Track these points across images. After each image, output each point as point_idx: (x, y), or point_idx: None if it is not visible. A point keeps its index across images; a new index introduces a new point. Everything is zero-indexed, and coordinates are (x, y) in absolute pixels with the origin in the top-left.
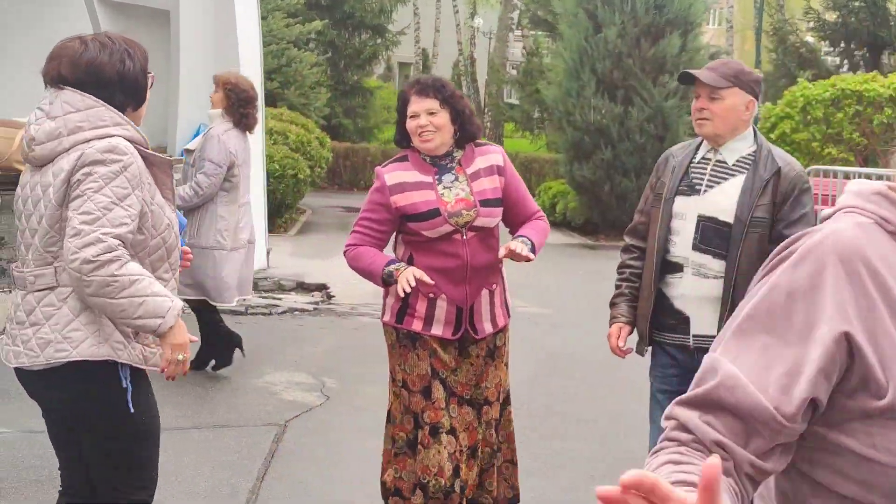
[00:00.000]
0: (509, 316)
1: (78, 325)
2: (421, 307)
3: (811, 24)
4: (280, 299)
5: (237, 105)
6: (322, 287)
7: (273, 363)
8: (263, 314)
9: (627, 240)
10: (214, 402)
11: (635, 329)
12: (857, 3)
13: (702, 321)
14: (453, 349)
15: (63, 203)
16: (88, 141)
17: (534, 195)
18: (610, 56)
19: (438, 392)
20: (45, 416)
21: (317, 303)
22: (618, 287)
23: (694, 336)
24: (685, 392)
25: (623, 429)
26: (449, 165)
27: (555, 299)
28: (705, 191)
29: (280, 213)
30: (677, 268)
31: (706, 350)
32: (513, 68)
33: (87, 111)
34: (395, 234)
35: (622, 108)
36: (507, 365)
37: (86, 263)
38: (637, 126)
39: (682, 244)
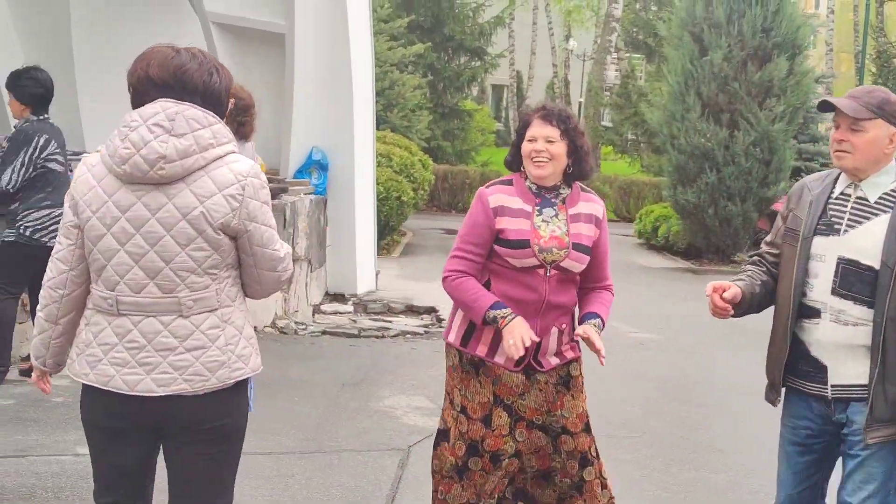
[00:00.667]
0: (580, 351)
1: (245, 342)
2: (488, 333)
3: None
4: (390, 322)
5: (235, 113)
6: (431, 310)
7: (391, 386)
8: (376, 337)
9: (752, 258)
10: (337, 425)
11: (766, 375)
12: None
13: (841, 370)
14: (520, 375)
15: (228, 226)
16: (221, 157)
17: (635, 218)
18: (715, 79)
19: (500, 419)
20: (168, 441)
21: (427, 326)
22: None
23: (832, 386)
24: (817, 448)
25: (753, 459)
26: (553, 200)
27: (663, 324)
28: (846, 231)
29: (383, 236)
30: (814, 312)
31: (846, 401)
32: (607, 91)
33: (211, 127)
34: None
35: (727, 131)
36: (584, 394)
37: (288, 282)
38: (743, 150)
39: (819, 288)
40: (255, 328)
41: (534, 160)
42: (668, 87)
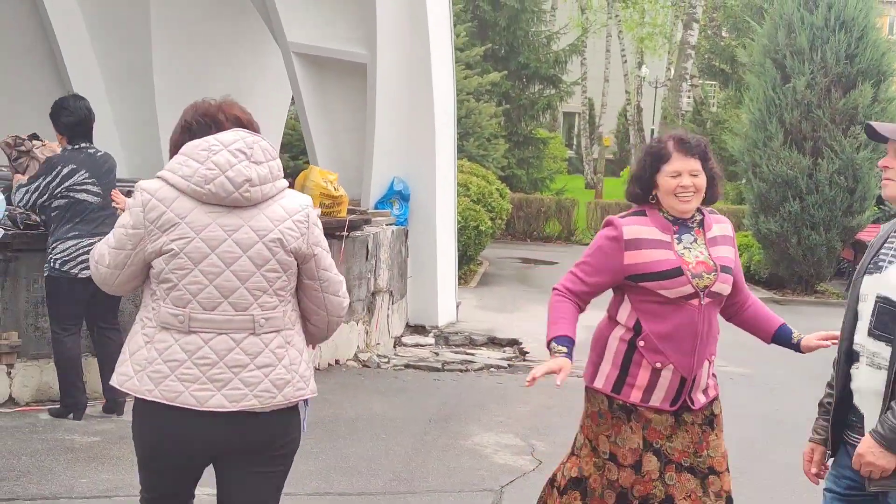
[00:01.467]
0: (719, 387)
1: (305, 365)
2: (643, 376)
3: None
4: (473, 354)
5: None
6: (514, 342)
7: (479, 423)
8: (460, 370)
9: None
10: (426, 464)
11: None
12: None
13: (875, 420)
14: (670, 417)
15: (298, 250)
16: (283, 189)
17: None
18: (798, 106)
19: (651, 464)
20: (223, 462)
21: (510, 359)
22: (827, 386)
23: None
24: (855, 502)
25: None
26: (689, 225)
27: (751, 357)
28: (886, 267)
29: (461, 266)
30: (855, 357)
31: None
32: (680, 118)
33: (277, 160)
34: (622, 297)
35: (811, 159)
36: (723, 433)
37: (346, 310)
38: (826, 178)
39: (861, 330)
40: (337, 362)
41: (680, 196)
42: (749, 115)
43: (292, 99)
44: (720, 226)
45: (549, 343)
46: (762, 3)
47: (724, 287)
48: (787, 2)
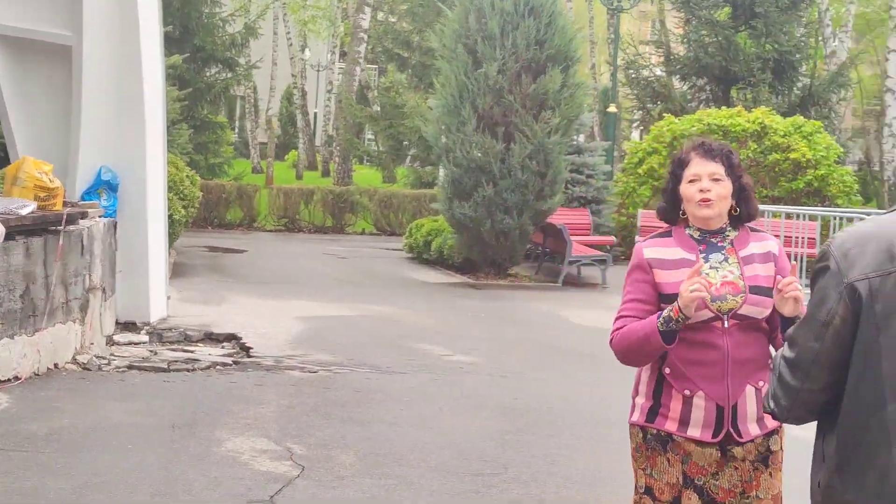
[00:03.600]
0: None
1: None
2: (676, 406)
3: (663, 59)
4: (193, 352)
5: None
6: (232, 337)
7: (226, 427)
8: (188, 370)
9: None
10: (186, 475)
11: None
12: (708, 39)
13: None
14: (715, 451)
15: None
16: None
17: (398, 232)
18: (490, 92)
19: (691, 502)
20: None
21: (232, 355)
22: None
23: None
24: None
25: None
26: (720, 244)
27: (471, 345)
28: None
29: None
30: None
31: None
32: (359, 102)
33: None
34: None
35: (503, 144)
36: (781, 472)
37: None
38: (519, 163)
39: None
40: (56, 365)
41: (699, 202)
42: (441, 100)
43: None
44: (761, 244)
45: (659, 326)
46: None
47: (754, 310)
48: None
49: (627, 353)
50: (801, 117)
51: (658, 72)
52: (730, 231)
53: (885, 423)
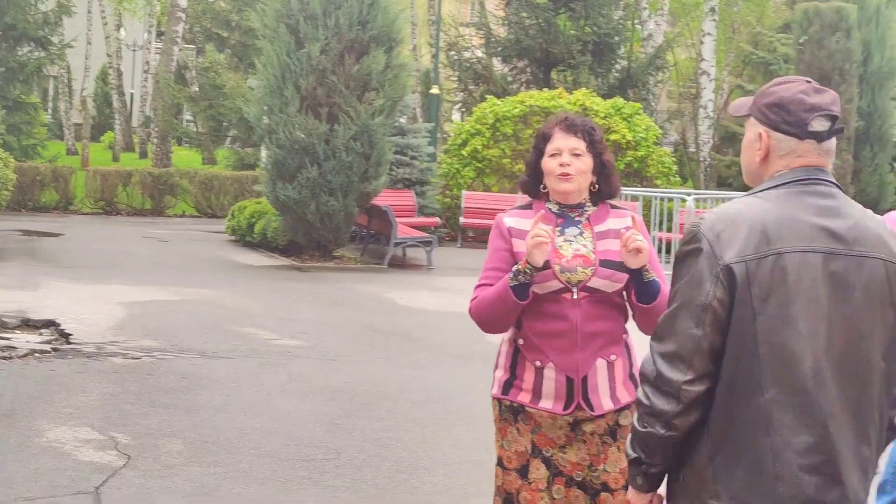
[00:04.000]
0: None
1: None
2: (529, 378)
3: (484, 41)
4: (10, 339)
5: None
6: (51, 324)
7: (48, 416)
8: (4, 358)
9: None
10: (6, 468)
11: None
12: (528, 21)
13: None
14: (565, 424)
15: None
16: None
17: (220, 214)
18: (314, 72)
19: (538, 472)
20: None
21: (51, 342)
22: None
23: None
24: None
25: (464, 477)
26: (577, 218)
27: (299, 329)
28: None
29: None
30: None
31: None
32: (177, 82)
33: None
34: None
35: (327, 125)
36: None
37: None
38: (343, 144)
39: None
40: None
41: (558, 175)
42: (263, 81)
43: None
44: (619, 220)
45: (511, 282)
46: None
47: (604, 283)
48: None
49: (486, 317)
50: (621, 99)
51: (479, 54)
52: (589, 207)
53: (762, 408)
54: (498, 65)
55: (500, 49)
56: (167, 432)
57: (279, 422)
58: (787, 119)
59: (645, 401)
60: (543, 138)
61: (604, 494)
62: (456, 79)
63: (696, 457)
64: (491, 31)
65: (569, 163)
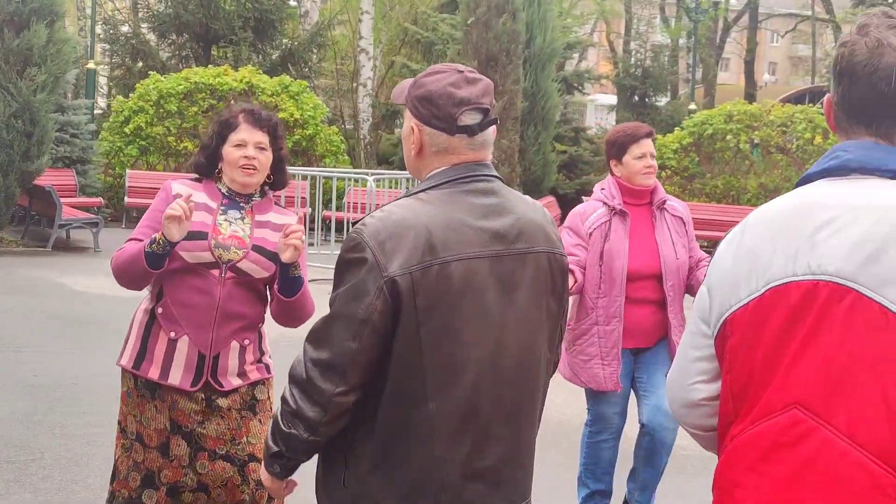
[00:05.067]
0: (270, 374)
1: None
2: (160, 350)
3: (142, 15)
4: None
5: None
6: None
7: None
8: None
9: None
10: None
11: None
12: None
13: None
14: (200, 399)
15: None
16: None
17: None
18: None
19: (179, 449)
20: None
21: None
22: None
23: None
24: None
25: None
26: (242, 204)
27: None
28: None
29: None
30: None
31: None
32: None
33: None
34: None
35: None
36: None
37: None
38: (4, 122)
39: None
40: None
41: (243, 167)
42: None
43: None
44: (282, 217)
45: (147, 248)
46: None
47: (253, 268)
48: None
49: (120, 272)
50: (288, 77)
51: (142, 29)
52: (256, 196)
53: (427, 418)
54: (157, 40)
55: (158, 24)
56: None
57: None
58: (436, 114)
59: (291, 402)
60: (228, 126)
61: (252, 464)
62: (114, 53)
63: (361, 464)
64: (149, 6)
65: (254, 156)
